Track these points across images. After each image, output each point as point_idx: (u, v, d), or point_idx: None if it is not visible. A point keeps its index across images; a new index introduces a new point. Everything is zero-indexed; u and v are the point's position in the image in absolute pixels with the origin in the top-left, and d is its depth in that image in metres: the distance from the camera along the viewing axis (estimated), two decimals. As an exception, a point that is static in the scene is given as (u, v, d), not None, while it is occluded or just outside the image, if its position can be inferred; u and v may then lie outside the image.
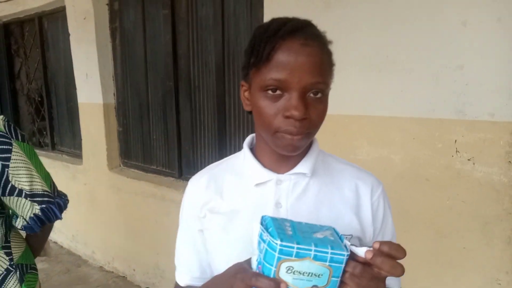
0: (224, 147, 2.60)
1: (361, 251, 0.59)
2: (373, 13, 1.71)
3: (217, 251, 0.81)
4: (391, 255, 0.57)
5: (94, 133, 3.40)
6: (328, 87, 0.73)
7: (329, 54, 0.74)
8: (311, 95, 0.70)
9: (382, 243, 0.58)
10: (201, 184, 0.86)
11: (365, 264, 0.58)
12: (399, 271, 0.58)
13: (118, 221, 3.32)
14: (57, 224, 1.42)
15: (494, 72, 1.47)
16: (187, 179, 2.84)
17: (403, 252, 0.58)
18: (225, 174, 0.85)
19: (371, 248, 0.58)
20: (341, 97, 1.84)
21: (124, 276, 3.39)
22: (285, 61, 0.67)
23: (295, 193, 0.79)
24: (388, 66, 1.70)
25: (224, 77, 2.52)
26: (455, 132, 1.57)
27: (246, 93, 0.78)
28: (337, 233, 0.65)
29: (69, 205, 1.34)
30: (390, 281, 0.83)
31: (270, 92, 0.70)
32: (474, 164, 1.55)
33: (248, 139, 0.87)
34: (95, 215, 3.56)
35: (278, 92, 0.69)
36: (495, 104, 1.48)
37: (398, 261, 0.59)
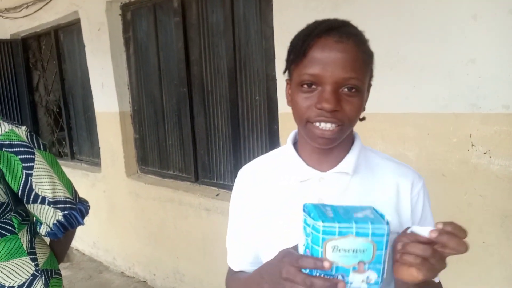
0: (238, 150, 2.62)
1: (425, 231, 0.62)
2: (382, 11, 1.72)
3: (264, 243, 0.85)
4: (455, 234, 0.60)
5: (111, 141, 3.48)
6: (364, 84, 0.75)
7: (367, 52, 0.77)
8: (345, 90, 0.72)
9: (445, 223, 0.61)
10: (248, 178, 0.91)
11: (429, 244, 0.62)
12: (464, 248, 0.60)
13: (138, 226, 3.38)
14: (78, 231, 1.46)
15: (507, 64, 1.46)
16: (203, 183, 2.89)
17: (465, 232, 0.61)
18: (271, 168, 0.89)
19: (434, 228, 0.61)
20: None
21: (145, 281, 3.44)
22: (319, 57, 0.71)
23: (338, 190, 0.81)
24: (400, 63, 1.70)
25: (236, 82, 2.55)
26: (469, 126, 1.56)
27: (289, 90, 0.83)
28: (377, 211, 0.68)
29: (89, 212, 1.38)
30: None
31: (305, 86, 0.74)
32: (490, 157, 1.53)
33: (291, 135, 0.90)
34: (115, 222, 3.63)
35: (313, 86, 0.73)
36: (510, 96, 1.46)
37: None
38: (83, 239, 4.07)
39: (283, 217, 0.83)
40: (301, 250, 0.68)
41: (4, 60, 4.40)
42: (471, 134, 1.56)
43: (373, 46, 1.85)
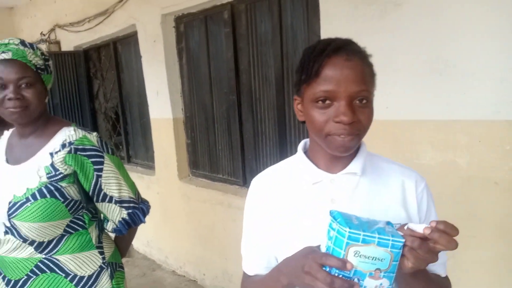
0: (285, 155, 2.66)
1: (419, 228, 0.68)
2: (430, 17, 1.72)
3: (281, 244, 0.90)
4: (446, 232, 0.66)
5: (165, 146, 3.67)
6: (372, 94, 0.83)
7: (370, 66, 0.84)
8: (357, 102, 0.80)
9: (438, 221, 0.67)
10: (263, 184, 0.98)
11: (422, 239, 0.67)
12: (453, 245, 0.66)
13: (189, 228, 3.53)
14: (134, 230, 1.59)
15: None
16: (252, 187, 2.96)
17: (456, 230, 0.67)
18: (284, 174, 0.96)
19: (429, 226, 0.67)
20: (402, 102, 1.85)
21: (195, 280, 3.58)
22: (332, 75, 0.79)
23: (348, 190, 0.88)
24: (449, 69, 1.69)
25: (284, 89, 2.62)
26: (523, 133, 1.53)
27: (299, 106, 0.90)
28: (391, 226, 0.74)
29: (145, 218, 1.49)
30: (436, 267, 0.91)
31: (320, 102, 0.81)
32: (546, 165, 1.49)
33: (301, 144, 0.98)
34: (167, 222, 3.81)
35: (327, 102, 0.80)
36: None
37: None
38: (138, 238, 4.27)
39: (299, 218, 0.89)
40: (322, 251, 0.74)
41: (69, 71, 4.76)
42: (525, 141, 1.53)
43: (421, 52, 1.85)
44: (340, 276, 0.69)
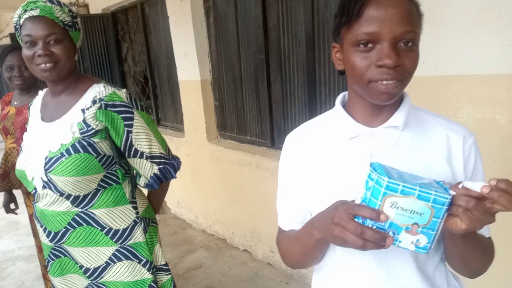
0: (314, 115, 2.57)
1: (476, 186, 0.62)
2: (476, -38, 1.59)
3: (317, 199, 0.88)
4: (508, 191, 0.60)
5: (193, 108, 3.68)
6: (418, 36, 0.76)
7: (416, 4, 0.77)
8: (402, 45, 0.73)
9: (499, 180, 0.61)
10: (298, 140, 0.94)
11: (479, 199, 0.62)
12: None
13: (218, 188, 3.59)
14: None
15: None
16: (280, 148, 2.96)
17: None
18: (320, 129, 0.93)
19: (487, 184, 0.61)
20: (440, 57, 1.75)
21: (224, 239, 3.68)
22: (375, 15, 0.72)
23: (389, 144, 0.83)
24: (493, 20, 1.57)
25: (314, 47, 2.54)
26: None
27: (338, 54, 0.84)
28: (440, 184, 0.69)
29: (176, 174, 1.50)
30: (482, 229, 0.85)
31: (362, 46, 0.75)
32: None
33: (339, 97, 0.93)
34: (197, 183, 3.89)
35: (369, 45, 0.74)
36: None
37: None
38: (169, 199, 4.42)
39: (335, 173, 0.85)
40: (357, 202, 0.70)
41: (97, 34, 4.79)
42: None
43: (464, 3, 1.73)
44: (374, 227, 0.65)
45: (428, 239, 0.66)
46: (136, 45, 4.73)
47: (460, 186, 0.65)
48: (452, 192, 0.64)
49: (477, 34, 1.63)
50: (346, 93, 0.92)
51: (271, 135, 3.08)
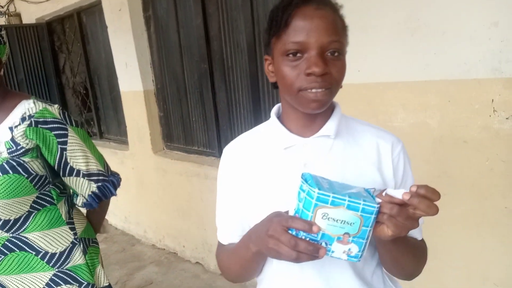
0: (259, 123, 2.64)
1: (398, 193, 0.64)
2: (402, -24, 1.69)
3: (253, 210, 0.88)
4: (427, 196, 0.62)
5: (137, 120, 3.58)
6: (344, 47, 0.79)
7: (341, 17, 0.80)
8: (329, 54, 0.76)
9: (419, 186, 0.63)
10: (235, 152, 0.94)
11: (401, 205, 0.64)
12: (434, 210, 0.62)
13: (166, 201, 3.51)
14: (110, 206, 1.56)
15: (532, 25, 1.42)
16: (228, 157, 2.95)
17: (438, 195, 0.63)
18: (255, 141, 0.93)
19: (408, 191, 0.63)
20: (374, 64, 1.84)
21: (175, 252, 3.59)
22: (302, 25, 0.74)
23: (321, 153, 0.85)
24: (420, 29, 1.68)
25: (256, 55, 2.57)
26: (492, 91, 1.54)
27: (270, 66, 0.86)
28: (369, 192, 0.71)
29: (119, 189, 1.45)
30: (413, 231, 0.88)
31: (291, 56, 0.77)
32: (513, 122, 1.52)
33: (274, 109, 0.94)
34: (144, 197, 3.78)
35: (298, 55, 0.76)
36: (534, 58, 1.43)
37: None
38: (116, 214, 4.25)
39: (271, 183, 0.86)
40: (291, 214, 0.71)
41: (31, 44, 4.53)
42: (493, 100, 1.55)
43: (393, 12, 1.82)
44: (307, 239, 0.66)
45: (359, 247, 0.67)
46: (74, 56, 4.53)
47: (384, 194, 0.67)
48: (379, 200, 0.66)
49: (407, 43, 1.72)
50: (280, 104, 0.94)
51: (218, 144, 3.07)
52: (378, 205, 0.65)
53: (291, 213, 0.70)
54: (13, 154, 1.23)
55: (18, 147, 1.24)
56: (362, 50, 1.82)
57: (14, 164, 1.23)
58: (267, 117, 0.97)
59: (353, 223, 0.65)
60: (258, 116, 2.67)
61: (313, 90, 0.76)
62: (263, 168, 0.88)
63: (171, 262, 3.48)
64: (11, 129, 1.25)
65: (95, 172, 1.36)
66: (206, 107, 3.07)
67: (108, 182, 1.39)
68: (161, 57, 3.33)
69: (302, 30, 0.74)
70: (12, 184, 1.21)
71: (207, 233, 3.17)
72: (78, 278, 1.38)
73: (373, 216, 0.65)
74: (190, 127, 3.30)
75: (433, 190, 0.63)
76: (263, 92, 2.61)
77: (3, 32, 1.31)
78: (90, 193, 1.36)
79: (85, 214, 1.51)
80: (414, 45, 1.71)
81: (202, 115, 3.15)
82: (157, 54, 3.36)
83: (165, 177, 3.43)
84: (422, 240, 0.94)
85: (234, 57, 2.74)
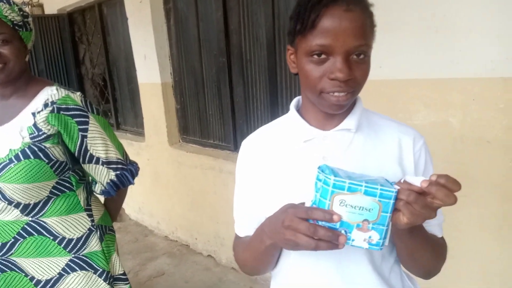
0: (276, 118, 2.64)
1: (417, 181, 0.63)
2: (428, -29, 1.65)
3: (271, 203, 0.87)
4: (446, 186, 0.61)
5: (154, 112, 3.60)
6: (370, 49, 0.77)
7: (370, 16, 0.77)
8: (354, 57, 0.74)
9: (439, 175, 0.62)
10: (253, 145, 0.94)
11: (419, 193, 0.63)
12: (452, 200, 0.61)
13: (180, 193, 3.52)
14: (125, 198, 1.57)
15: None
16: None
17: (457, 185, 0.61)
18: (274, 134, 0.92)
19: (428, 179, 0.62)
20: (397, 61, 1.81)
21: (187, 245, 3.61)
22: (329, 27, 0.72)
23: (341, 147, 0.84)
24: (446, 26, 1.64)
25: (275, 50, 2.55)
26: (518, 90, 1.50)
27: (292, 57, 0.84)
28: (387, 181, 0.70)
29: (134, 180, 1.45)
30: (432, 227, 0.88)
31: (315, 56, 0.75)
32: (540, 123, 1.48)
33: (294, 101, 0.93)
34: (158, 189, 3.80)
35: (323, 56, 0.74)
36: None
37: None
38: (129, 205, 4.29)
39: (289, 176, 0.85)
40: (307, 205, 0.70)
41: (53, 35, 4.59)
42: (520, 99, 1.51)
43: (418, 9, 1.79)
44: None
45: (380, 234, 0.66)
46: (94, 47, 4.57)
47: (402, 180, 0.66)
48: (397, 187, 0.65)
49: (431, 39, 1.69)
50: (300, 97, 0.92)
51: (234, 138, 3.07)
52: (396, 190, 0.64)
53: (308, 204, 0.69)
54: (35, 140, 1.25)
55: (40, 133, 1.25)
56: (385, 47, 1.79)
57: (36, 149, 1.24)
58: (284, 113, 0.96)
59: (372, 209, 0.64)
60: (275, 111, 2.66)
61: (336, 94, 0.75)
62: (282, 161, 0.87)
63: (183, 254, 3.50)
64: (33, 114, 1.27)
65: (114, 160, 1.37)
66: (223, 101, 3.07)
67: (127, 170, 1.40)
68: (180, 50, 3.34)
69: (329, 33, 0.72)
70: (33, 169, 1.23)
71: (220, 227, 3.17)
72: (94, 264, 1.40)
73: (391, 201, 0.64)
74: (206, 121, 3.31)
75: (454, 180, 0.61)
76: (281, 87, 2.60)
77: (30, 19, 1.33)
78: (108, 181, 1.37)
79: (103, 202, 1.53)
80: (439, 42, 1.67)
81: (218, 109, 3.15)
82: (176, 47, 3.37)
83: (180, 170, 3.45)
84: (442, 238, 0.92)
85: (253, 52, 2.73)
